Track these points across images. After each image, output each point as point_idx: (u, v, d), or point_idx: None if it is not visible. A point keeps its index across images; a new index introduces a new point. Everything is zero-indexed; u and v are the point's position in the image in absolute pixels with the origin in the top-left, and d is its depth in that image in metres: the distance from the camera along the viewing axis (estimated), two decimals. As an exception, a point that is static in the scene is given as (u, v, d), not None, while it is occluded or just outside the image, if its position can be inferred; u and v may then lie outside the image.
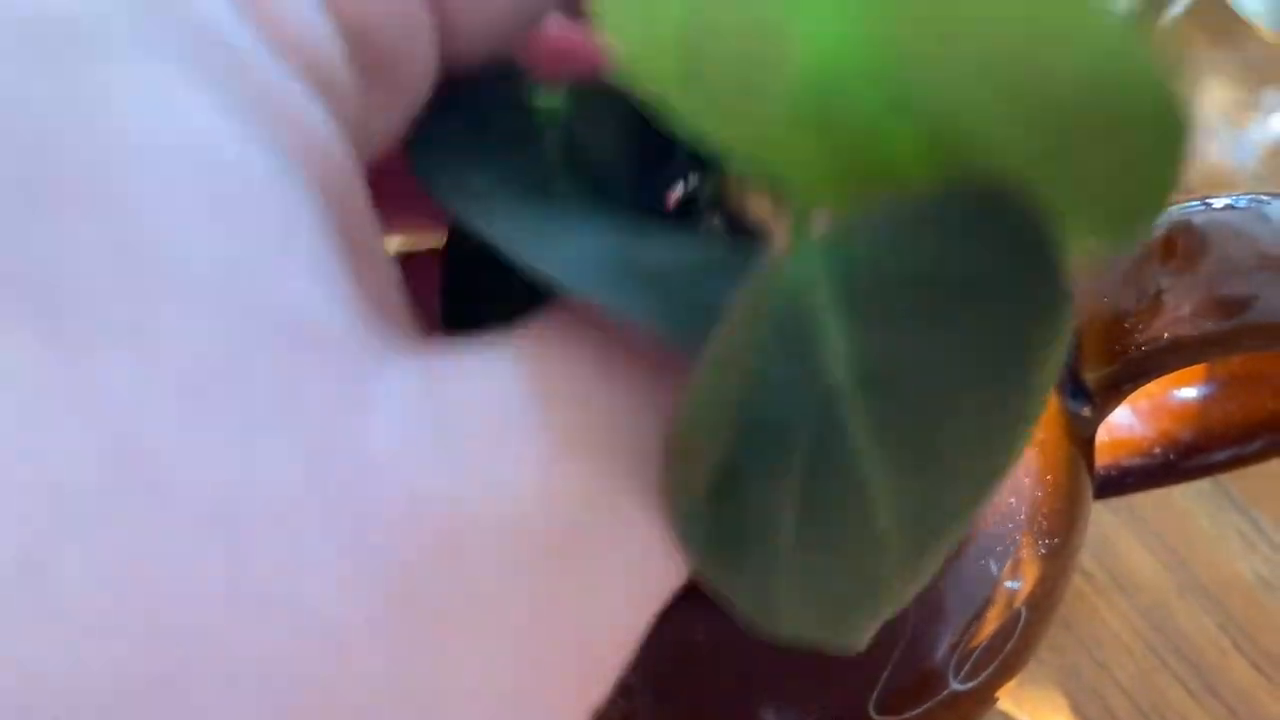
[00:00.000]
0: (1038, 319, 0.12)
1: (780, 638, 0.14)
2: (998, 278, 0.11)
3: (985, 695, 0.25)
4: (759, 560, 0.13)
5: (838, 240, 0.12)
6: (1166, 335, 0.21)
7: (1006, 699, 0.32)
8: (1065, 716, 0.32)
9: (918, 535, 0.13)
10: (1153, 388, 0.27)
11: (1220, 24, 0.42)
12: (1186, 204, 0.23)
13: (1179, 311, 0.21)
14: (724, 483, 0.12)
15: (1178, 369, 0.23)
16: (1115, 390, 0.23)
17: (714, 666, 0.22)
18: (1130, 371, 0.22)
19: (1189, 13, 0.41)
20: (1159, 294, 0.22)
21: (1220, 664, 0.32)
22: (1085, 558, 0.34)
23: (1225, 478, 0.35)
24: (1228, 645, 0.33)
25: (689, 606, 0.20)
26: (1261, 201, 0.22)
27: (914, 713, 0.23)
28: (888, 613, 0.14)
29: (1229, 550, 0.34)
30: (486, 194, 0.13)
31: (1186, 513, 0.34)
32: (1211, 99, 0.41)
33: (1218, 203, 0.22)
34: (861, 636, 0.14)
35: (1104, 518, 0.34)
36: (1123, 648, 0.33)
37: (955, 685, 0.23)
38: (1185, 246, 0.22)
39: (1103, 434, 0.25)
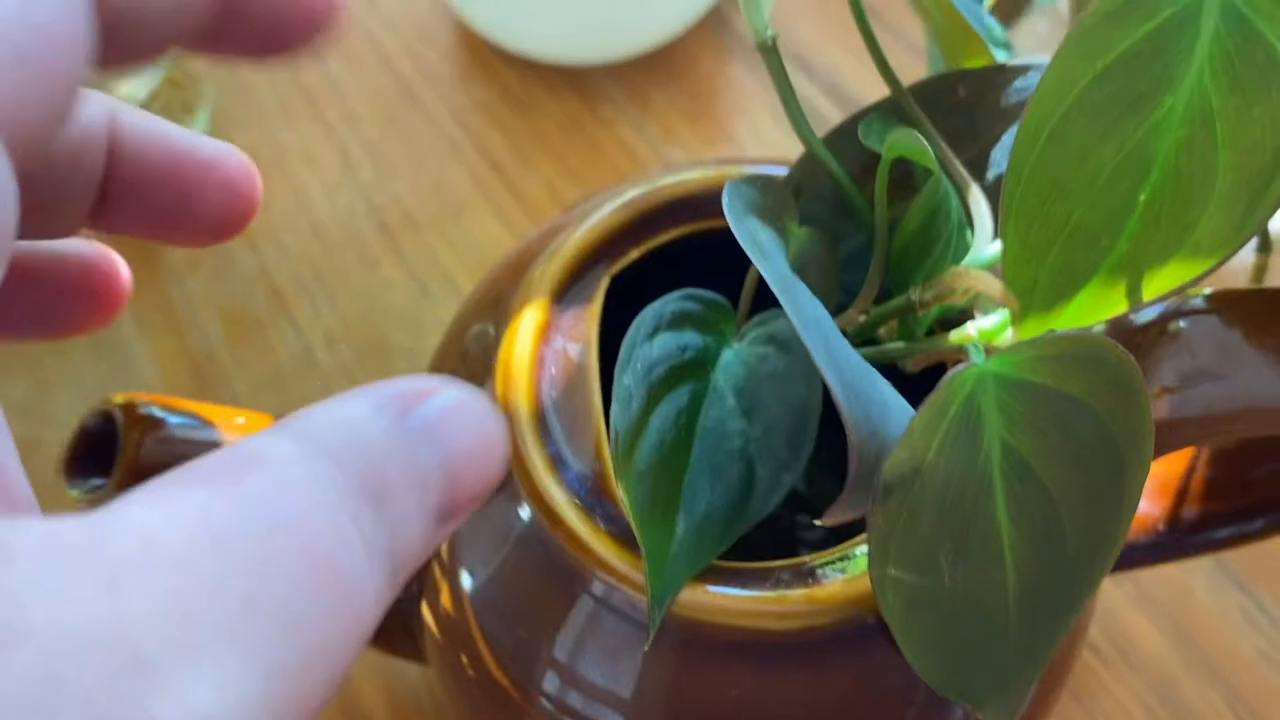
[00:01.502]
0: (1134, 452, 0.17)
1: (930, 680, 0.19)
2: (1105, 414, 0.17)
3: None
4: (928, 593, 0.18)
5: (1005, 361, 0.17)
6: (1169, 416, 0.22)
7: (1019, 768, 0.32)
8: (1076, 787, 0.32)
9: (1033, 593, 0.18)
10: (1159, 468, 0.27)
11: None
12: (1187, 295, 0.23)
13: (1182, 394, 0.22)
14: (909, 523, 0.17)
15: (1182, 448, 0.23)
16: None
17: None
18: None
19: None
20: (1164, 377, 0.22)
21: (1226, 737, 0.32)
22: (1094, 632, 0.34)
23: (1227, 557, 0.35)
24: (1231, 719, 0.32)
25: (726, 667, 0.20)
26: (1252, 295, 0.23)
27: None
28: (1005, 683, 0.19)
29: (1231, 627, 0.34)
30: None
31: (1190, 590, 0.34)
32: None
33: (1212, 294, 0.23)
34: (982, 696, 0.19)
35: (1111, 594, 0.34)
36: (1131, 720, 0.32)
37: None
38: (1185, 335, 0.23)
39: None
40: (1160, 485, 0.28)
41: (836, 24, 0.47)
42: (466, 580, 0.23)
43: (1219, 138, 0.18)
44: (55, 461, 0.39)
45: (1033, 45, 0.45)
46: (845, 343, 0.17)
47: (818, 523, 0.18)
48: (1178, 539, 0.27)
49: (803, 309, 0.17)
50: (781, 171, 0.24)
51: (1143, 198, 0.18)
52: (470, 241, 0.43)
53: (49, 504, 0.40)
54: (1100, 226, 0.18)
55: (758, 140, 0.44)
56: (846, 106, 0.45)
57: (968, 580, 0.18)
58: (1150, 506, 0.28)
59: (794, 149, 0.43)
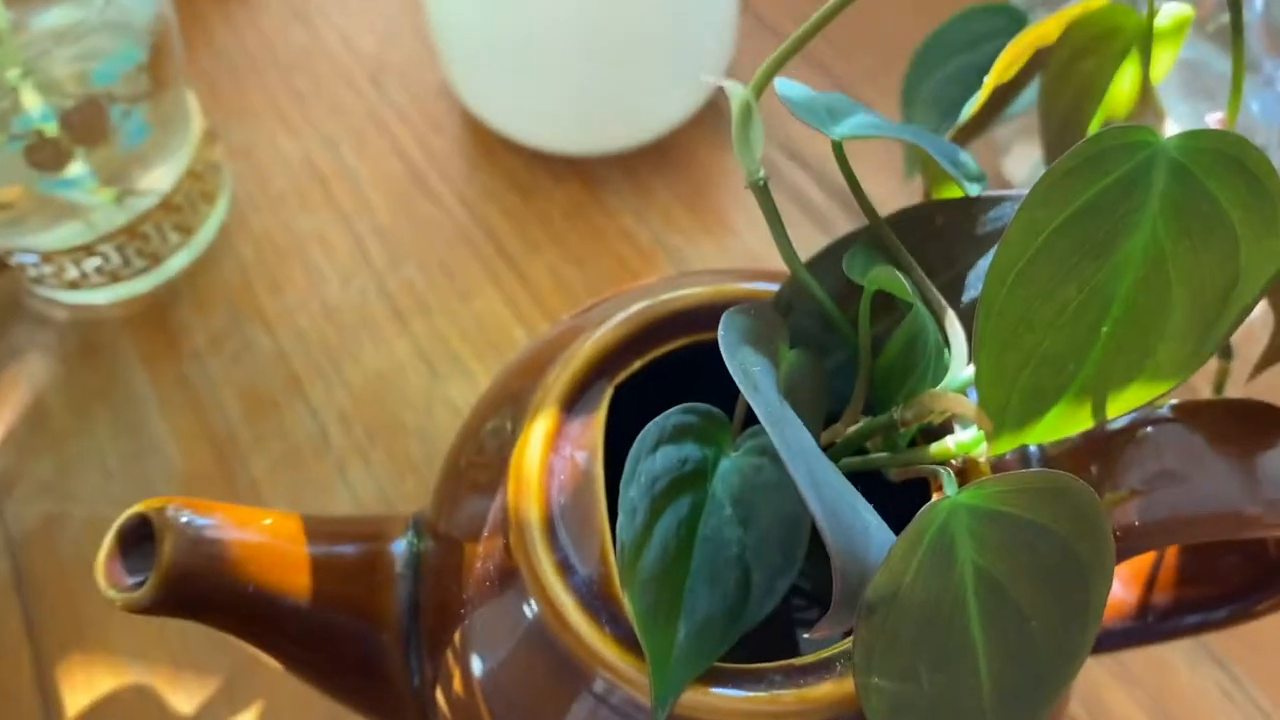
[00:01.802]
0: (1098, 569, 0.19)
1: None
2: (1070, 537, 0.18)
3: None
4: (909, 699, 0.19)
5: (974, 494, 0.18)
6: (1137, 519, 0.23)
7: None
8: None
9: (1006, 697, 0.19)
10: (1136, 562, 0.29)
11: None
12: (1154, 405, 0.25)
13: (1148, 498, 0.23)
14: (890, 638, 0.19)
15: (1148, 551, 0.24)
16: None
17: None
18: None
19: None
20: (1132, 480, 0.24)
21: (1205, 811, 0.33)
22: (1077, 708, 0.35)
23: (1205, 635, 0.36)
24: (1211, 793, 0.33)
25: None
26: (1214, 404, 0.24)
27: None
28: None
29: (1210, 703, 0.35)
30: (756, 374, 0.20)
31: (1169, 666, 0.35)
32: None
33: (1176, 404, 0.25)
34: None
35: (1094, 671, 0.35)
36: (1114, 793, 0.33)
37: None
38: (1152, 441, 0.24)
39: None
40: (1134, 574, 0.29)
41: (827, 113, 0.49)
42: (477, 668, 0.24)
43: (1172, 277, 0.19)
44: (78, 537, 0.40)
45: (1011, 134, 0.47)
46: (830, 469, 0.19)
47: (806, 636, 0.19)
48: (1151, 625, 0.29)
49: (789, 441, 0.18)
50: (773, 287, 0.26)
51: (1105, 330, 0.20)
52: (478, 323, 0.44)
53: (74, 576, 0.42)
54: (1066, 354, 0.20)
55: (752, 227, 0.46)
56: (836, 194, 0.46)
57: (945, 687, 0.19)
58: (1125, 593, 0.29)
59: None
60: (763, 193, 0.22)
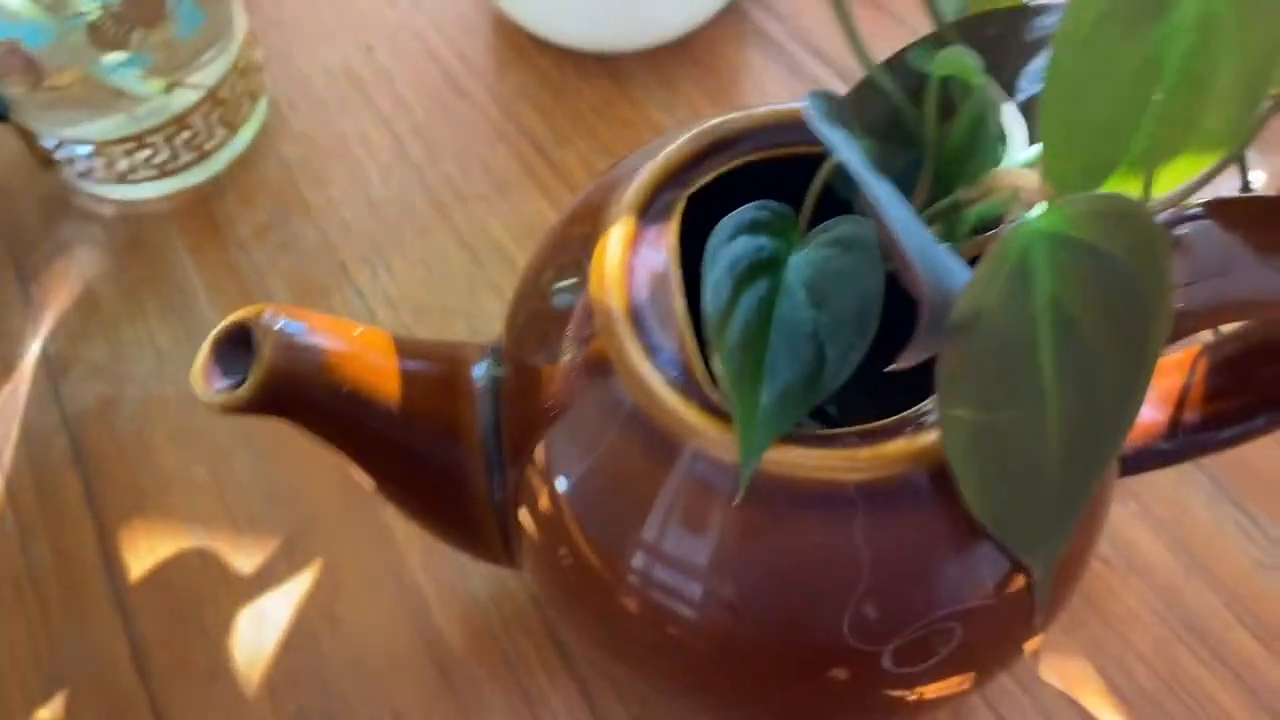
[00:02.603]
0: (1157, 305, 0.19)
1: (984, 519, 0.21)
2: (1134, 269, 0.19)
3: (1007, 653, 0.27)
4: (985, 432, 0.20)
5: (1052, 218, 0.20)
6: (1181, 308, 0.25)
7: (1041, 667, 0.34)
8: (1093, 683, 0.34)
9: (1072, 438, 0.20)
10: (1164, 380, 0.30)
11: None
12: (1185, 205, 0.26)
13: (1189, 290, 0.25)
14: (972, 363, 0.20)
15: (1195, 332, 0.26)
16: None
17: (800, 589, 0.24)
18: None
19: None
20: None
21: (1226, 636, 0.35)
22: (1104, 545, 0.36)
23: (1222, 477, 0.37)
24: (1231, 619, 0.35)
25: (805, 516, 0.23)
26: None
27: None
28: (1047, 524, 0.21)
29: (1227, 538, 0.36)
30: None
31: (1189, 506, 0.37)
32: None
33: (1207, 201, 0.26)
34: (1027, 537, 0.21)
35: (1117, 511, 0.37)
36: (1140, 623, 0.35)
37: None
38: (1187, 240, 0.25)
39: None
40: (1164, 396, 0.30)
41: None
42: (562, 468, 0.26)
43: (1221, 42, 0.20)
44: (134, 415, 0.41)
45: None
46: (914, 216, 0.20)
47: (890, 368, 0.20)
48: (1185, 442, 0.30)
49: (880, 191, 0.19)
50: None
51: (1157, 98, 0.21)
52: (516, 213, 0.45)
53: (132, 451, 0.43)
54: (1121, 124, 0.21)
55: (777, 120, 0.47)
56: (842, 72, 0.47)
57: (1018, 420, 0.20)
58: (1157, 415, 0.30)
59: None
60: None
